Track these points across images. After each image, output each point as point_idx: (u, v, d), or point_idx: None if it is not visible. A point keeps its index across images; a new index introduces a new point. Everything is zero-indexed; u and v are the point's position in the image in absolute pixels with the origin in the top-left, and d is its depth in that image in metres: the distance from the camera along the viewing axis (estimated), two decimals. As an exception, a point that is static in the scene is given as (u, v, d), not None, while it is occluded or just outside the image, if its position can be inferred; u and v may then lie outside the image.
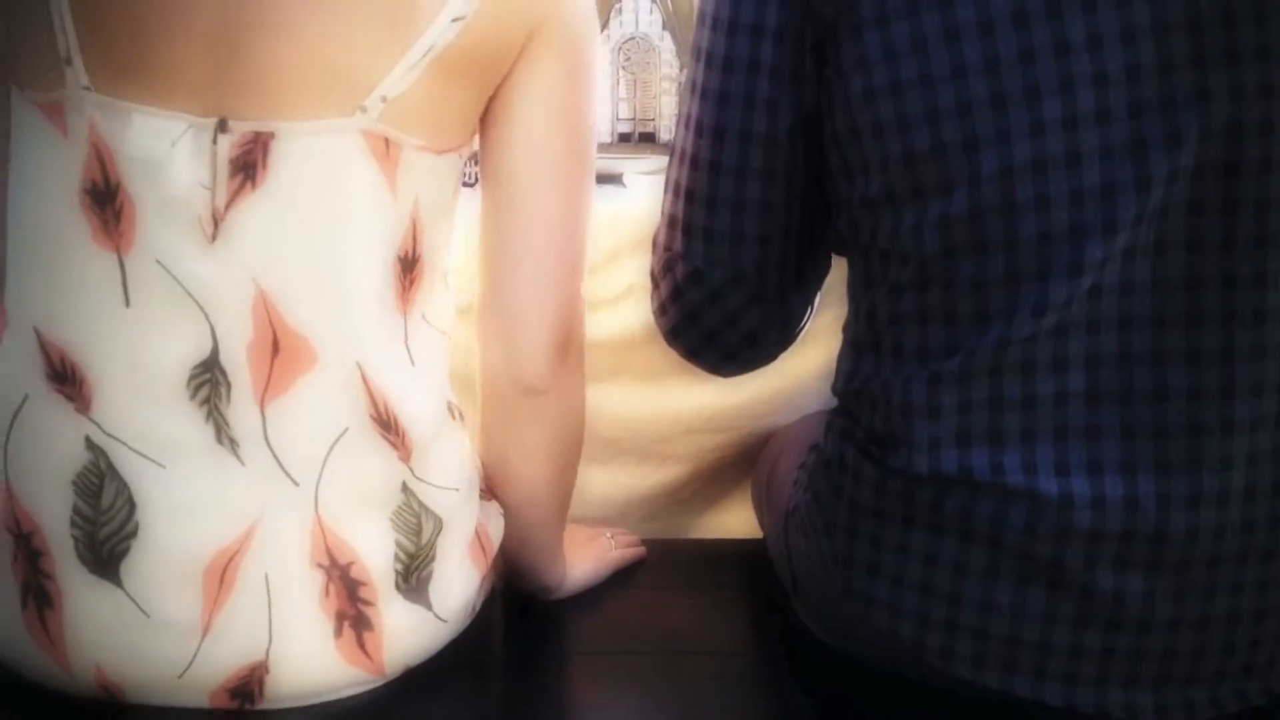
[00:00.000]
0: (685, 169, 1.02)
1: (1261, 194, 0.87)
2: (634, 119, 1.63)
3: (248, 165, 0.86)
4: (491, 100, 0.96)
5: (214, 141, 0.86)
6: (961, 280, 0.90)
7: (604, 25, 1.62)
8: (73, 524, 0.88)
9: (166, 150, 0.86)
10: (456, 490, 0.98)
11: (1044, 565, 0.90)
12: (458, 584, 0.99)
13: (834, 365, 1.08)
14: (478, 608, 1.03)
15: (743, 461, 1.36)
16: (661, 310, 1.07)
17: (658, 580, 1.24)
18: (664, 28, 1.62)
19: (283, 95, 0.86)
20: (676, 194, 1.03)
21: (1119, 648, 0.91)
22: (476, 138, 0.99)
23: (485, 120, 0.97)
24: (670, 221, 1.04)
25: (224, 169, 0.86)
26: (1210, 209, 0.87)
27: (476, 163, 1.02)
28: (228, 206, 0.87)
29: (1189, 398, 0.88)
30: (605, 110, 1.63)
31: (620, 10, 1.63)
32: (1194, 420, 0.88)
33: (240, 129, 0.86)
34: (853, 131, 0.93)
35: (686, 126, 1.02)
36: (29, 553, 0.89)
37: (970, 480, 0.91)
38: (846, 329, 1.05)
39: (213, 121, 0.86)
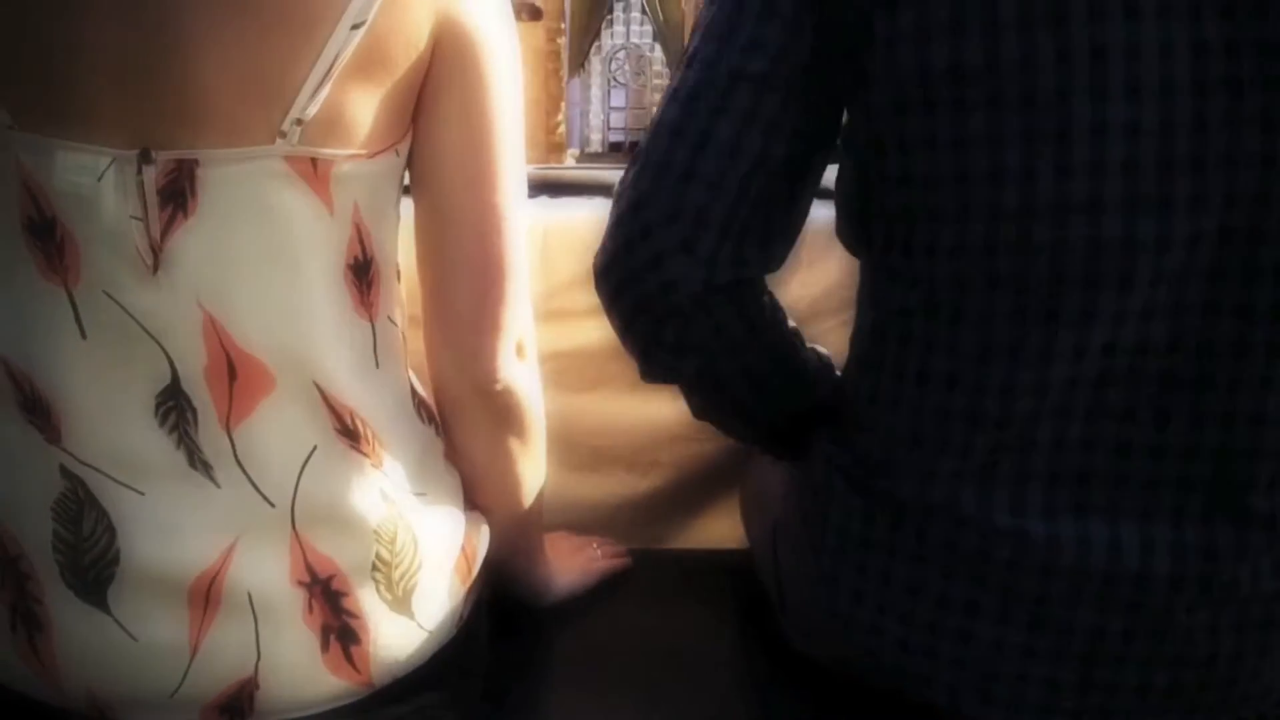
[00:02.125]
0: (665, 103, 0.97)
1: None
2: (625, 129, 1.64)
3: (176, 194, 0.85)
4: (417, 101, 0.93)
5: (139, 173, 0.85)
6: (969, 311, 0.89)
7: (595, 36, 1.64)
8: (55, 549, 0.89)
9: (93, 184, 0.85)
10: (424, 495, 0.98)
11: (1026, 601, 0.91)
12: (443, 594, 0.99)
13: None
14: (465, 617, 1.04)
15: (729, 470, 1.36)
16: (602, 247, 1.01)
17: (644, 590, 1.25)
18: (655, 38, 1.62)
19: (203, 122, 0.85)
20: (650, 129, 0.98)
21: (1095, 681, 0.91)
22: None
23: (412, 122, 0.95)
24: (636, 155, 0.98)
25: (153, 200, 0.85)
26: (1231, 275, 0.86)
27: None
28: (164, 237, 0.86)
29: (1184, 456, 0.88)
30: (596, 120, 1.64)
31: (612, 21, 1.63)
32: (1185, 476, 0.89)
33: (164, 158, 0.85)
34: (876, 143, 0.91)
35: (681, 65, 0.97)
36: (16, 576, 0.90)
37: (957, 514, 0.92)
38: (853, 341, 1.04)
39: (135, 154, 0.85)
